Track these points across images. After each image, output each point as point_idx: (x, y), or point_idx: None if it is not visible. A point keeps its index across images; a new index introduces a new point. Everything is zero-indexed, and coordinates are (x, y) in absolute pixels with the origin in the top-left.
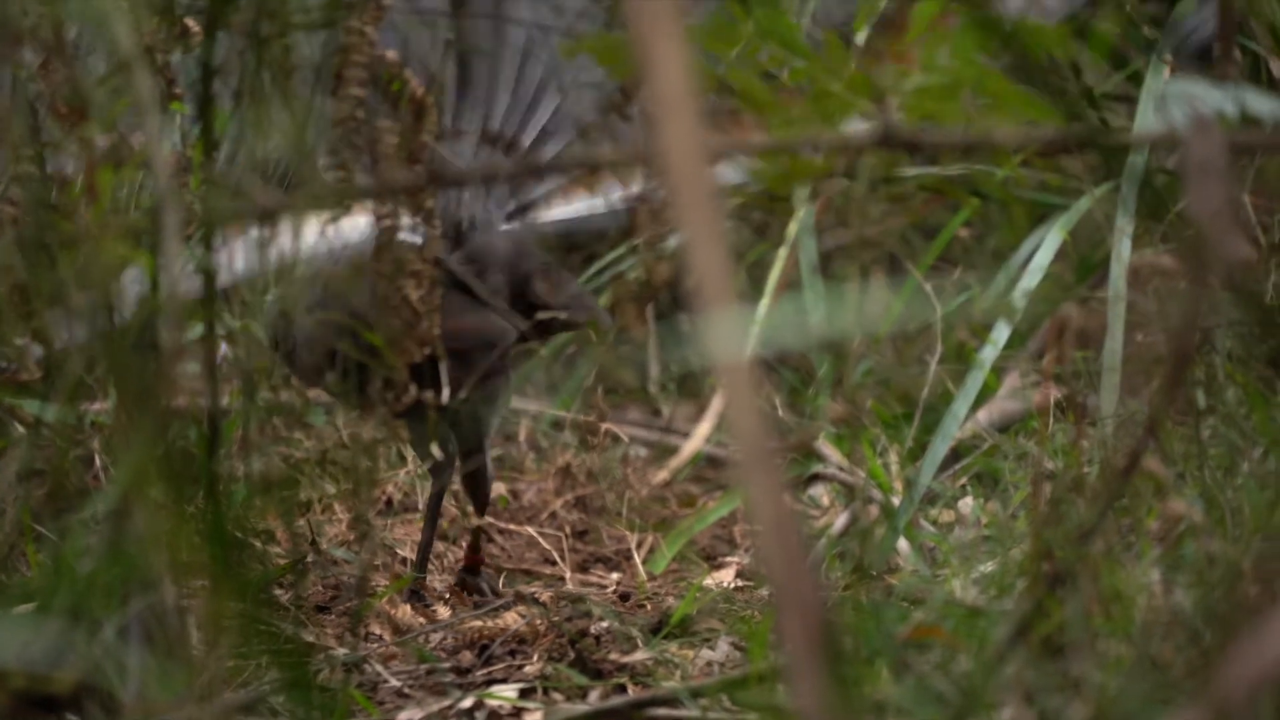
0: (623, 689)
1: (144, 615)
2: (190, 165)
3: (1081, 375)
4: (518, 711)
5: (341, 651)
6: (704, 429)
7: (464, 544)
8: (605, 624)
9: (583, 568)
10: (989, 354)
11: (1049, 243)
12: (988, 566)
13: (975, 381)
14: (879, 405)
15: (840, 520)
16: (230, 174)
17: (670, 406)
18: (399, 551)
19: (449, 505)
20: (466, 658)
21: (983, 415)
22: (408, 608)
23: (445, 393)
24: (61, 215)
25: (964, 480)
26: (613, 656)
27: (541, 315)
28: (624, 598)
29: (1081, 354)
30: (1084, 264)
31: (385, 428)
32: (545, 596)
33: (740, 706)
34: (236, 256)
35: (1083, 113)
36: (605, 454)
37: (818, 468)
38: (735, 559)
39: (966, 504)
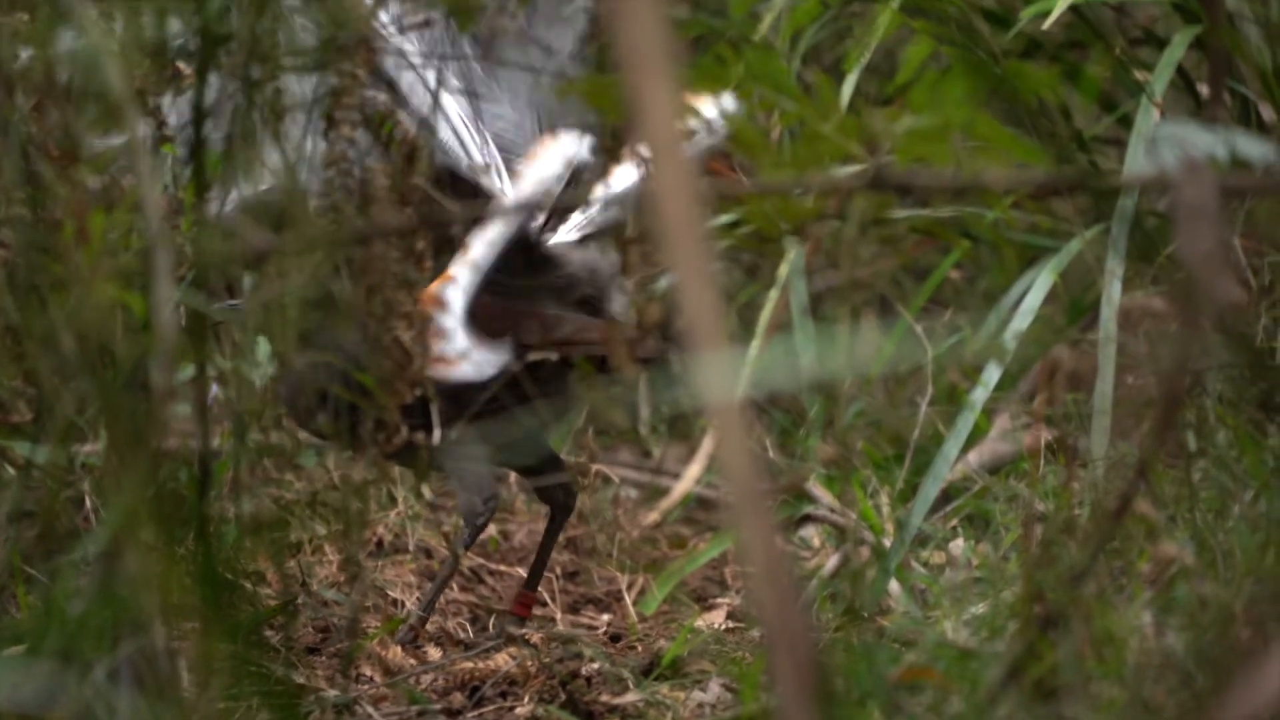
0: None
1: (135, 657)
2: (182, 207)
3: (1072, 417)
4: None
5: (332, 693)
6: (695, 470)
7: (455, 585)
8: (596, 665)
9: (574, 609)
10: (980, 396)
11: (1040, 285)
12: (979, 608)
13: (966, 423)
14: (870, 447)
15: (831, 562)
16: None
17: (661, 448)
18: (390, 593)
19: (438, 547)
20: (458, 699)
21: (974, 457)
22: (398, 649)
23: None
24: (53, 257)
25: (955, 522)
26: (604, 698)
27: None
28: (615, 639)
29: (1072, 396)
30: (1075, 306)
31: (378, 468)
32: (536, 638)
33: None
34: None
35: (1073, 155)
36: (596, 495)
37: (809, 509)
38: (726, 600)
39: (958, 545)
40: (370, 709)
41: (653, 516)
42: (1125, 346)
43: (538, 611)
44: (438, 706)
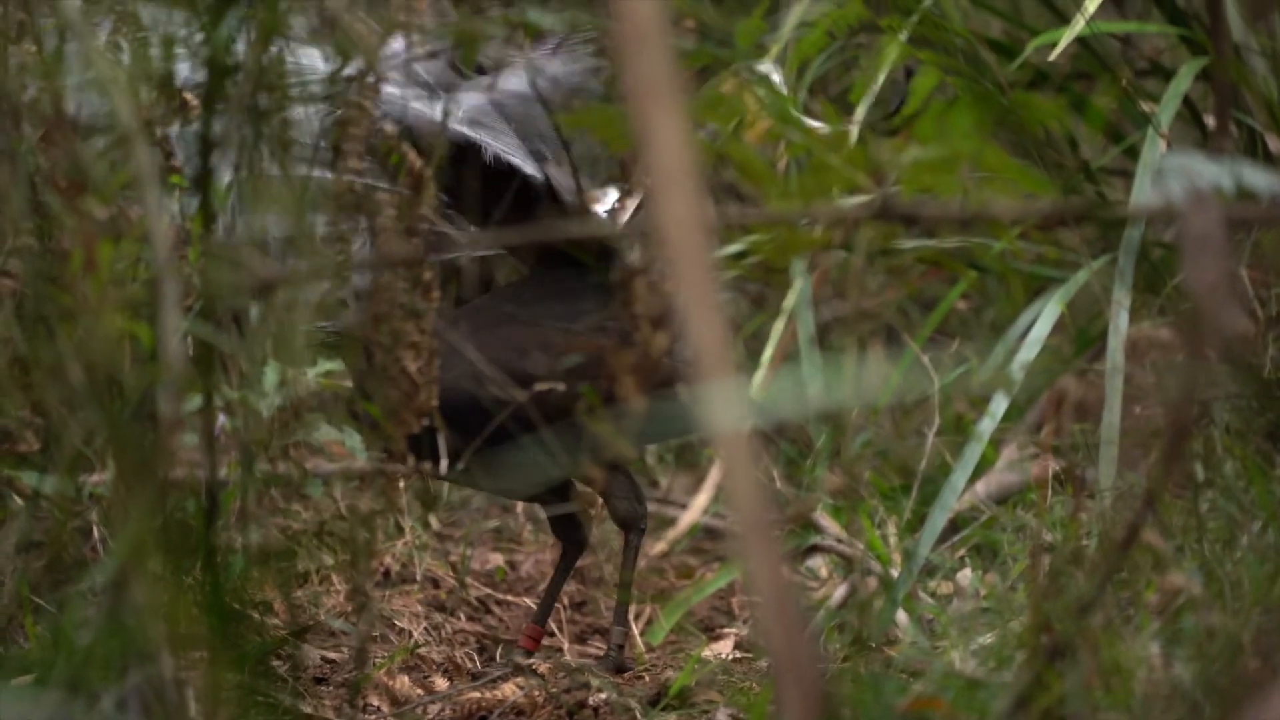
0: None
1: (142, 687)
2: (189, 238)
3: (1080, 447)
4: None
5: None
6: (702, 500)
7: (462, 615)
8: (604, 695)
9: (581, 639)
10: (987, 426)
11: (1047, 315)
12: (987, 638)
13: (973, 453)
14: (877, 477)
15: (839, 592)
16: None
17: (668, 477)
18: (397, 623)
19: (445, 576)
20: None
21: (981, 487)
22: (405, 679)
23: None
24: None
25: (962, 552)
26: None
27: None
28: (622, 669)
29: (1079, 426)
30: (1082, 336)
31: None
32: (543, 667)
33: None
34: None
35: (1080, 186)
36: (603, 525)
37: (816, 539)
38: (733, 630)
39: (965, 576)
40: None
41: (660, 546)
42: (1132, 377)
43: (545, 641)
44: None
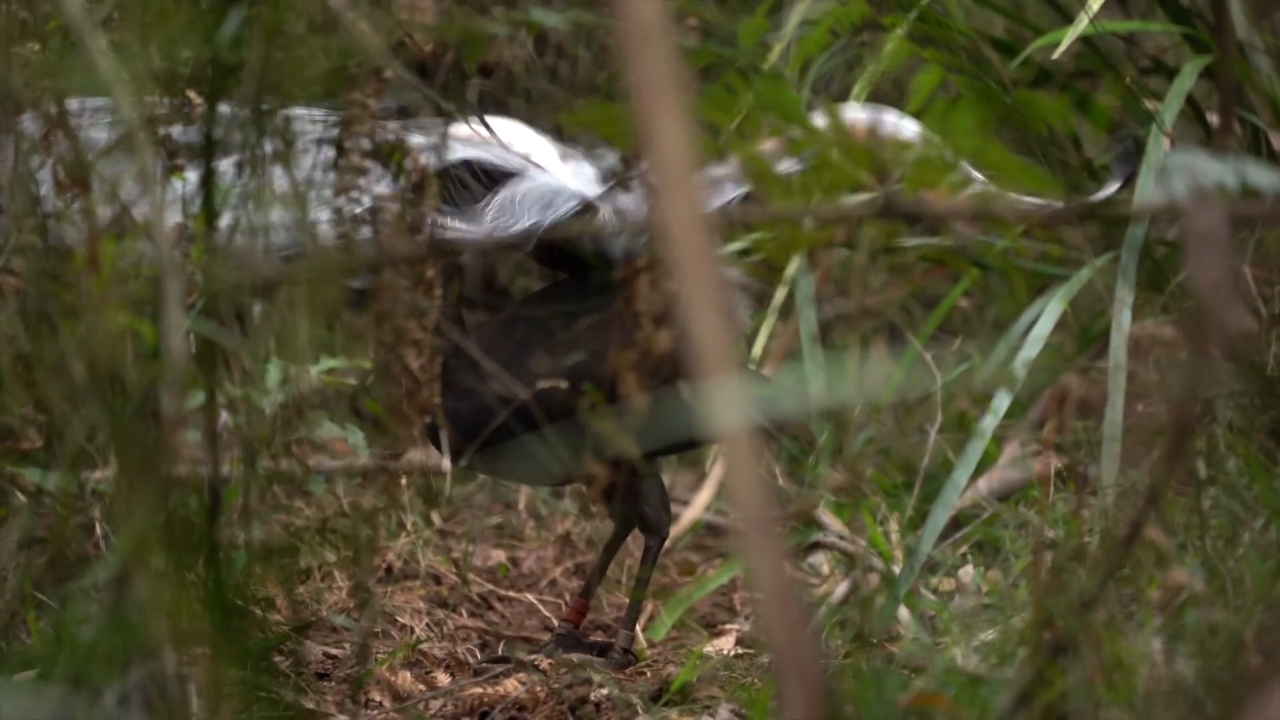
0: None
1: (145, 683)
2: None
3: (1082, 445)
4: None
5: (342, 719)
6: (704, 497)
7: (464, 611)
8: (605, 691)
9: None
10: (989, 423)
11: (1049, 313)
12: (989, 635)
13: (976, 450)
14: (879, 474)
15: (841, 588)
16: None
17: (670, 474)
18: (399, 619)
19: (448, 573)
20: None
21: (983, 484)
22: (407, 675)
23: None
24: (64, 286)
25: (964, 549)
26: None
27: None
28: (624, 666)
29: (1082, 424)
30: (1084, 334)
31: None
32: (545, 663)
33: None
34: None
35: (1083, 184)
36: (604, 522)
37: (818, 536)
38: (735, 626)
39: (967, 572)
40: None
41: None
42: (1135, 374)
43: (546, 637)
44: None
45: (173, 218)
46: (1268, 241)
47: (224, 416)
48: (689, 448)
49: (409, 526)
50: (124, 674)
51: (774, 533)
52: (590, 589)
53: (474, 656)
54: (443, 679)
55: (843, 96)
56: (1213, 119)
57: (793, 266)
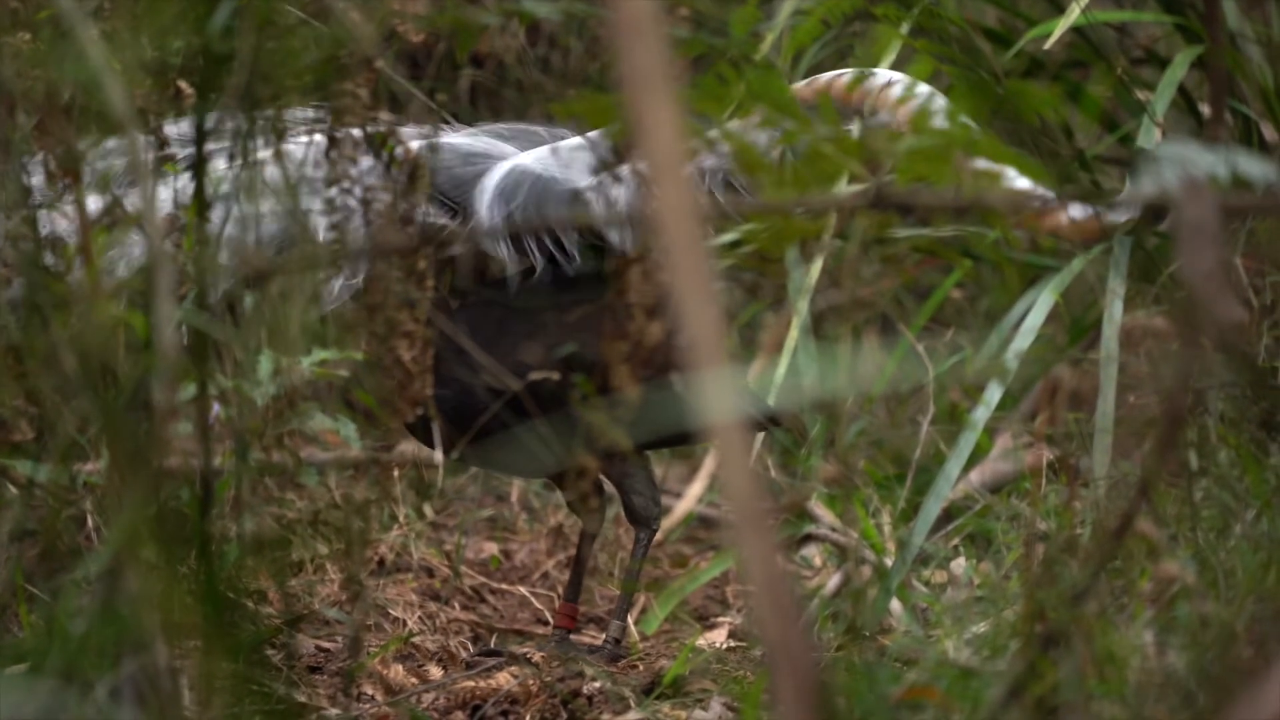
0: None
1: (137, 676)
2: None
3: (1074, 436)
4: None
5: (334, 712)
6: (696, 489)
7: (457, 604)
8: (598, 684)
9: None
10: (981, 415)
11: (1041, 304)
12: (981, 627)
13: (968, 442)
14: (871, 466)
15: (833, 581)
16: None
17: (662, 466)
18: (391, 612)
19: (440, 565)
20: (459, 718)
21: (975, 476)
22: (399, 668)
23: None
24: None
25: (957, 541)
26: (605, 717)
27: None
28: (617, 659)
29: (1074, 415)
30: (1076, 326)
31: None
32: (538, 657)
33: None
34: None
35: (1075, 175)
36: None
37: (810, 528)
38: (728, 619)
39: (959, 565)
40: None
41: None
42: (1127, 366)
43: (539, 630)
44: None
45: (164, 208)
46: (1259, 232)
47: (216, 408)
48: (680, 442)
49: (401, 519)
50: (116, 667)
51: (766, 525)
52: (575, 590)
53: (466, 649)
54: (435, 672)
55: None
56: (1204, 109)
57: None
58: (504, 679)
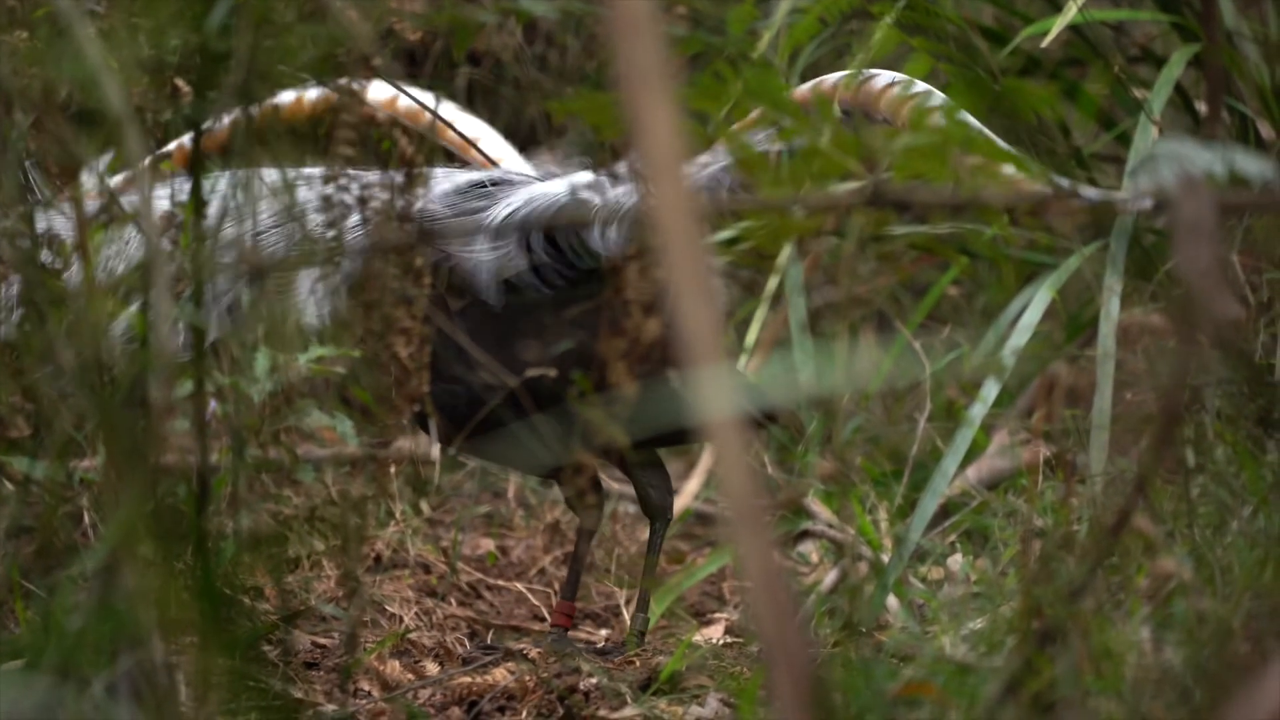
0: None
1: (133, 672)
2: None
3: (1071, 433)
4: None
5: (330, 708)
6: (693, 486)
7: (453, 600)
8: (594, 680)
9: (572, 624)
10: (978, 412)
11: (1038, 301)
12: (977, 623)
13: (964, 439)
14: (868, 462)
15: (829, 577)
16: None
17: None
18: (388, 608)
19: (437, 561)
20: (455, 714)
21: (972, 473)
22: (396, 664)
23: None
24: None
25: (953, 537)
26: (601, 713)
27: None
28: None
29: (1071, 412)
30: (1073, 322)
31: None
32: (534, 653)
33: None
34: None
35: (1072, 173)
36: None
37: (807, 525)
38: (724, 615)
39: (956, 561)
40: None
41: None
42: (1124, 363)
43: (535, 626)
44: None
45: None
46: (1256, 229)
47: (213, 405)
48: (677, 440)
49: (398, 515)
50: (112, 663)
51: (763, 521)
52: (573, 588)
53: (463, 645)
54: (431, 668)
55: None
56: (1201, 107)
57: (783, 255)
58: (501, 675)
